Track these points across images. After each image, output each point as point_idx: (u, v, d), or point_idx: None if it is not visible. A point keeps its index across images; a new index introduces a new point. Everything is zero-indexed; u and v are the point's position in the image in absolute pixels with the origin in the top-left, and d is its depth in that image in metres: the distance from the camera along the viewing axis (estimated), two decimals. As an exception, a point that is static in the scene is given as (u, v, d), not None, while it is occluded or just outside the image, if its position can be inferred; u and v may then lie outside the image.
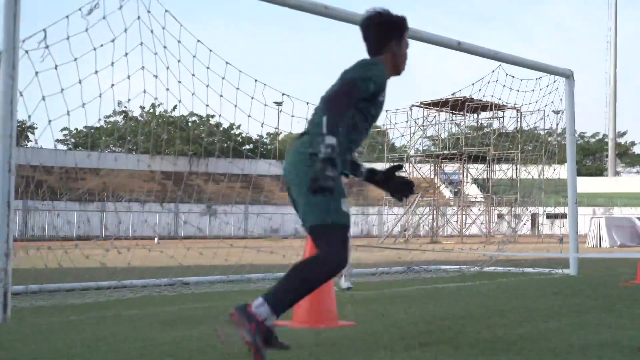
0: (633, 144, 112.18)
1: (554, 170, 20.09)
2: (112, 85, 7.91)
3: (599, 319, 5.13)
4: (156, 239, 31.64)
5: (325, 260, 3.56)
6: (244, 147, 56.16)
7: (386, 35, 3.92)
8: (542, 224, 54.01)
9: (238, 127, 57.11)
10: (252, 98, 8.95)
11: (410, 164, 43.23)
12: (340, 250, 3.56)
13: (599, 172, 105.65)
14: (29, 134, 41.95)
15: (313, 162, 3.50)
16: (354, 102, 3.62)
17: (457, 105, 39.97)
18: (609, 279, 9.47)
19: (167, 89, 8.39)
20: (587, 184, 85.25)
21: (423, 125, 43.12)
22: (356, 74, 3.70)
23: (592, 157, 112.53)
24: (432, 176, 45.65)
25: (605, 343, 4.05)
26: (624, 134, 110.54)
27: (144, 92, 8.33)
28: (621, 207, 77.53)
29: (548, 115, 14.61)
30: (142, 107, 55.54)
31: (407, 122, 41.82)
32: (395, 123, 41.82)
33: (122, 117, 57.37)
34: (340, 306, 5.27)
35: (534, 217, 53.64)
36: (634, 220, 29.35)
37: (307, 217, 3.65)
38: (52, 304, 6.73)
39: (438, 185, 49.41)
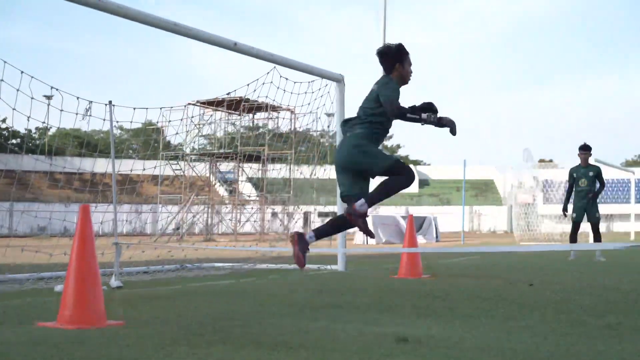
0: (399, 146, 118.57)
1: (325, 170, 20.78)
2: None
3: (364, 315, 5.34)
4: None
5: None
6: (9, 142, 53.16)
7: (392, 61, 5.95)
8: (313, 222, 55.64)
9: (3, 121, 53.96)
10: (18, 90, 8.48)
11: (186, 163, 42.95)
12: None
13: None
14: None
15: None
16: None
17: (233, 104, 40.18)
18: (375, 274, 9.93)
19: None
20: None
21: (199, 124, 42.95)
22: (389, 89, 5.77)
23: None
24: (208, 174, 45.60)
25: (367, 339, 4.21)
26: (391, 137, 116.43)
27: None
28: (386, 205, 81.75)
29: (320, 118, 15.07)
30: None
31: (182, 120, 41.48)
32: (170, 121, 41.28)
33: None
34: (109, 306, 5.13)
35: (306, 216, 55.13)
36: (397, 219, 30.99)
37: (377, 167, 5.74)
38: None
39: (213, 183, 49.49)
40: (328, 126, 14.86)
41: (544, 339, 4.15)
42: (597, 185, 13.80)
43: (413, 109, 5.70)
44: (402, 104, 5.71)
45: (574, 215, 13.87)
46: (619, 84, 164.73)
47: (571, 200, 14.04)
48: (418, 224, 31.73)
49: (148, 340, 4.14)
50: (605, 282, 8.39)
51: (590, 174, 13.73)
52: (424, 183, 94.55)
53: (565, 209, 14.08)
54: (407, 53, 6.01)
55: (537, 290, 7.32)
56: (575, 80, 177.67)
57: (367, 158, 5.69)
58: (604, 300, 6.34)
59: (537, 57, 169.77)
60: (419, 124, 5.73)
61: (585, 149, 13.83)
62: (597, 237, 13.75)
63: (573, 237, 13.90)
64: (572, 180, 13.91)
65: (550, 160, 69.45)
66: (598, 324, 4.76)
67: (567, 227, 14.23)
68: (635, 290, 7.34)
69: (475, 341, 4.10)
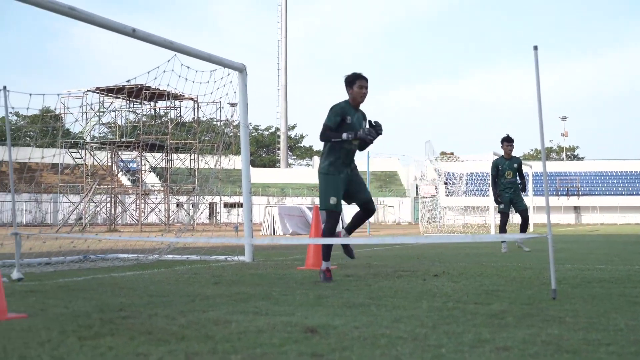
0: (302, 137, 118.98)
1: (229, 160, 20.84)
2: None
3: (257, 306, 5.36)
4: None
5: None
6: None
7: (346, 86, 7.85)
8: (219, 212, 55.41)
9: None
10: None
11: (87, 151, 42.12)
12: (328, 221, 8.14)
13: (272, 163, 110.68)
14: None
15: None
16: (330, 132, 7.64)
17: (134, 92, 39.64)
18: (280, 265, 10.02)
19: None
20: (261, 175, 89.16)
21: (99, 111, 42.16)
22: (326, 117, 7.69)
23: (266, 149, 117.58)
24: (110, 163, 44.85)
25: (260, 329, 4.26)
26: (294, 127, 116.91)
27: None
28: (292, 196, 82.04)
29: (223, 107, 15.04)
30: None
31: (81, 107, 40.67)
32: (69, 108, 40.50)
33: None
34: (11, 298, 5.09)
35: (211, 206, 54.83)
36: (303, 209, 31.16)
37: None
38: None
39: (116, 172, 48.68)
40: (232, 116, 14.89)
41: (432, 328, 4.36)
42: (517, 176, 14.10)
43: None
44: (332, 129, 7.59)
45: (502, 206, 14.06)
46: (516, 82, 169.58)
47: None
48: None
49: (51, 333, 4.11)
50: (498, 272, 8.74)
51: (515, 165, 14.09)
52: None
53: (499, 197, 14.08)
54: (355, 79, 7.78)
55: (437, 280, 7.57)
56: (474, 77, 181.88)
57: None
58: (488, 288, 6.63)
59: (440, 53, 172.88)
60: (350, 137, 7.52)
61: (510, 141, 14.06)
62: (525, 226, 13.98)
63: (503, 228, 14.06)
64: (496, 171, 14.09)
65: (452, 153, 71.10)
66: (484, 312, 5.01)
67: (469, 219, 14.53)
68: (518, 277, 7.67)
69: (365, 330, 4.25)
